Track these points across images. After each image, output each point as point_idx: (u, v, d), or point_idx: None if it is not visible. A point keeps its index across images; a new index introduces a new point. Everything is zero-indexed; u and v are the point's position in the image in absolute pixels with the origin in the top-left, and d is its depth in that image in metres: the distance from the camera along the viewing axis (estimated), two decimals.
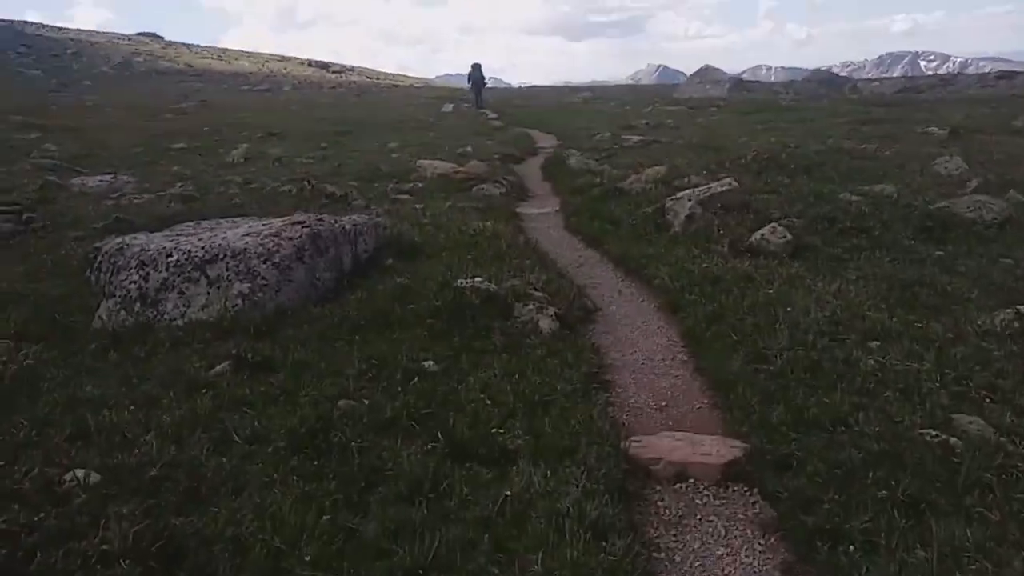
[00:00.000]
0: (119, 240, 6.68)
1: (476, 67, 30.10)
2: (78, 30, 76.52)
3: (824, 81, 35.05)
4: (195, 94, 48.28)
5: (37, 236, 8.95)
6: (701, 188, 9.21)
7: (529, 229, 9.56)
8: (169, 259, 5.88)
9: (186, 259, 5.82)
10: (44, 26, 73.97)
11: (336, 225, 6.47)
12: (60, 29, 74.43)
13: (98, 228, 9.09)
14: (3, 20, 69.72)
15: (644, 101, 32.86)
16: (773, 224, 8.05)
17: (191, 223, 8.14)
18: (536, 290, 6.11)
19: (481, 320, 5.50)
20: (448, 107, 31.47)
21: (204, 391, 4.50)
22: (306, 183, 11.23)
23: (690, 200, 8.87)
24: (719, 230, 8.18)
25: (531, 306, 5.68)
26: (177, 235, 7.04)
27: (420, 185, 11.95)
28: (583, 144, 17.30)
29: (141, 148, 20.54)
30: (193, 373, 4.72)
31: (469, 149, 15.79)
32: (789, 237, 7.79)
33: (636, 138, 16.32)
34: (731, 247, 7.77)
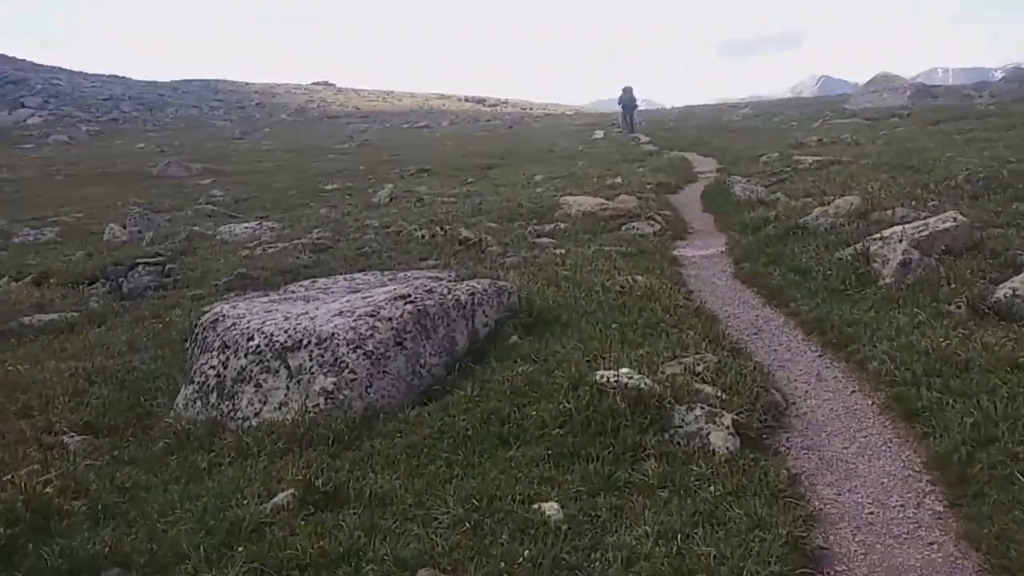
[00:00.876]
0: (217, 309, 5.78)
1: (627, 90, 28.79)
2: (261, 83, 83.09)
3: None
4: (360, 135, 50.35)
5: (158, 295, 8.46)
6: (915, 224, 7.08)
7: (689, 279, 7.82)
8: (250, 343, 4.81)
9: (267, 344, 4.73)
10: (233, 82, 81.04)
11: (449, 296, 5.15)
12: (247, 84, 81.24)
13: (220, 285, 8.47)
14: (200, 79, 77.11)
15: (812, 115, 29.68)
16: None
17: (307, 281, 7.22)
18: (704, 382, 4.46)
19: (628, 433, 3.92)
20: (599, 134, 30.06)
21: (245, 545, 3.27)
22: (439, 228, 10.18)
23: (901, 240, 6.79)
24: (949, 283, 6.07)
25: (698, 411, 4.02)
26: (284, 299, 6.06)
27: (563, 225, 10.53)
28: (748, 168, 15.18)
29: (296, 191, 20.82)
30: (242, 511, 3.52)
31: (619, 180, 14.18)
32: None
33: (811, 159, 14.00)
34: (971, 308, 5.66)
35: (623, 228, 10.08)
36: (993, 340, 4.79)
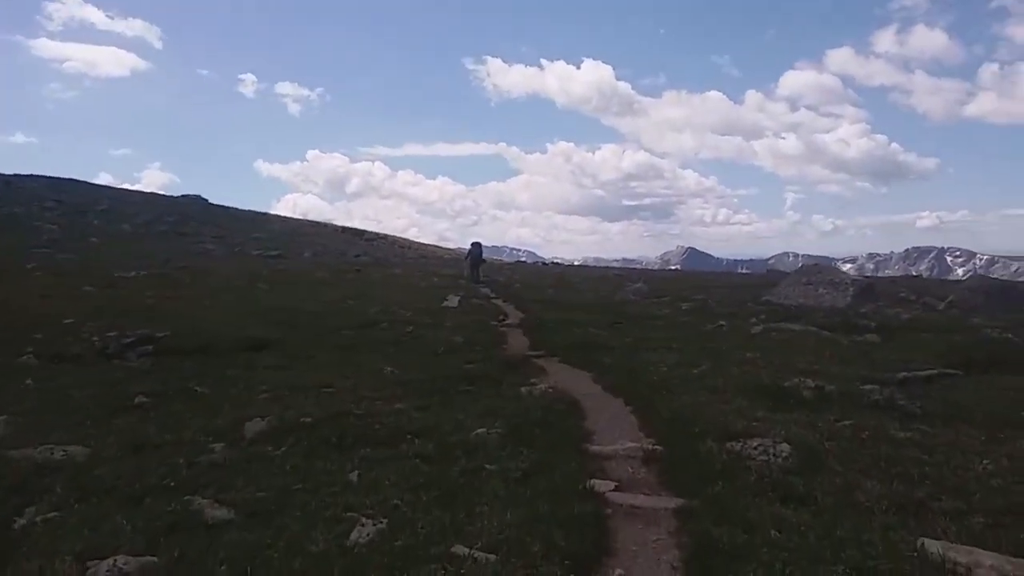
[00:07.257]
0: None
1: (476, 245, 24.88)
2: (119, 188, 71.16)
3: (993, 293, 22.36)
4: (186, 258, 39.24)
5: None
6: None
7: None
8: None
9: None
10: (84, 183, 68.65)
11: None
12: (101, 187, 69.10)
13: None
14: (39, 175, 64.30)
15: (735, 304, 21.46)
16: None
17: None
18: None
19: None
20: (453, 301, 20.61)
21: None
22: None
23: None
24: None
25: None
26: None
27: None
28: (712, 474, 5.63)
29: None
30: None
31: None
32: None
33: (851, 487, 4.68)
34: None
35: None
36: None
